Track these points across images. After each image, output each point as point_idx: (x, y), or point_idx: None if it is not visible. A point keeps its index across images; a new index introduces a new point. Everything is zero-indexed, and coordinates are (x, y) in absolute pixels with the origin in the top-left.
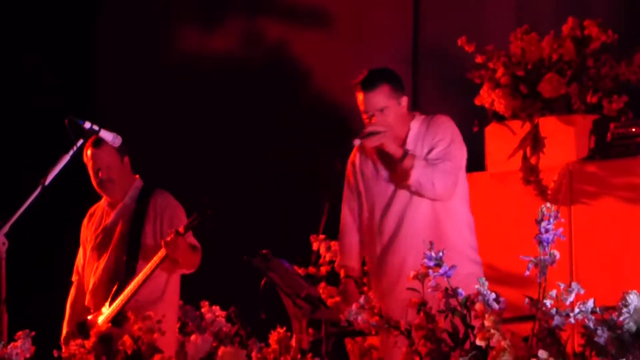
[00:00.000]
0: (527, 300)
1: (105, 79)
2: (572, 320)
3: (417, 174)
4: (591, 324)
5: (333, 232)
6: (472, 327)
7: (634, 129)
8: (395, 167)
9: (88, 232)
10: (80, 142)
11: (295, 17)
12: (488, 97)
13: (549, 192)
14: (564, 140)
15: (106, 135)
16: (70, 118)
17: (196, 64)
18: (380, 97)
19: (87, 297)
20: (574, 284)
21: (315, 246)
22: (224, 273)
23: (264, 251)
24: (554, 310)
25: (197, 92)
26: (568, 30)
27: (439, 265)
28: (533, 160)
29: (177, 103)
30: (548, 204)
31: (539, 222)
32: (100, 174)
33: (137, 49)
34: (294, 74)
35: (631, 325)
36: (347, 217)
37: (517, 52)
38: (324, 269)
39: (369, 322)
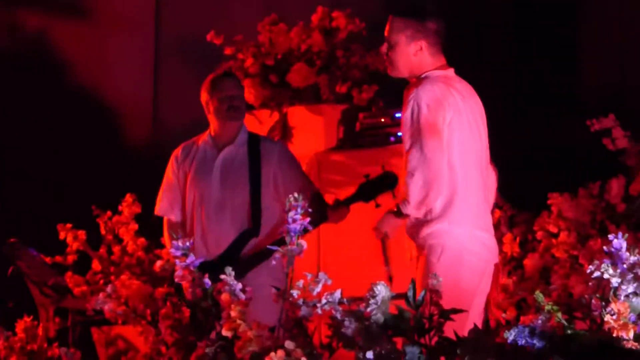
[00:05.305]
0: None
1: None
2: (319, 310)
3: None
4: (338, 315)
5: None
6: (219, 318)
7: (382, 119)
8: None
9: None
10: None
11: (53, 8)
12: None
13: None
14: (312, 130)
15: None
16: None
17: None
18: None
19: None
20: (321, 274)
21: (62, 235)
22: None
23: (11, 240)
24: (301, 301)
25: None
26: (317, 21)
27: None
28: None
29: None
30: (296, 194)
31: (287, 212)
32: None
33: None
34: (53, 64)
35: (379, 317)
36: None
37: (265, 42)
38: (71, 258)
39: (116, 311)
